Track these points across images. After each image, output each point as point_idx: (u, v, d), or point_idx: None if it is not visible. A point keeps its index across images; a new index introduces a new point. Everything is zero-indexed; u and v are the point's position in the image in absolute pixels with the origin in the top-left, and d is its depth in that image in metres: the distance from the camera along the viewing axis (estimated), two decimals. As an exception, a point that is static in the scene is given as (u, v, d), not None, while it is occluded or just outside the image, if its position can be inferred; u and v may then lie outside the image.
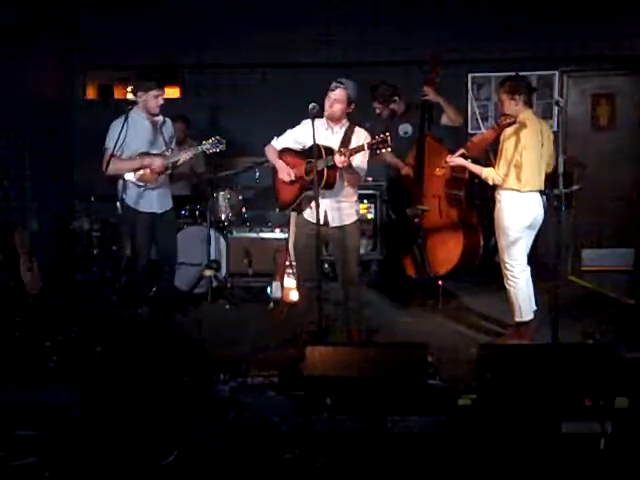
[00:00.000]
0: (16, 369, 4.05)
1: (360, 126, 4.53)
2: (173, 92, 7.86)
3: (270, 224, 6.43)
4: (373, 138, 4.15)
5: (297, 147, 4.57)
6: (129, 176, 5.00)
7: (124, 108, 4.98)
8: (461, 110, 6.10)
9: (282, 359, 4.27)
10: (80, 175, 7.23)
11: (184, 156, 5.01)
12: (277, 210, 5.38)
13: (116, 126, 4.92)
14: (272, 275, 5.80)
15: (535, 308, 4.71)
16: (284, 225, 5.99)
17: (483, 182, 4.75)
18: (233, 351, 4.45)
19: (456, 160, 4.80)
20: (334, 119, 4.42)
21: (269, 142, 4.68)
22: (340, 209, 4.49)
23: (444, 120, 5.62)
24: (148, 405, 3.42)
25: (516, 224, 4.60)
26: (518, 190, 4.55)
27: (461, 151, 4.81)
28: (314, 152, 4.13)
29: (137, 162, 4.98)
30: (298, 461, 3.10)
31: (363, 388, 3.36)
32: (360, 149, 4.20)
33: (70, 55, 7.17)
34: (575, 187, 5.50)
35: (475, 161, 4.87)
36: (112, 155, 4.87)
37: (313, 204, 4.28)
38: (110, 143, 4.88)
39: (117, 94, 7.97)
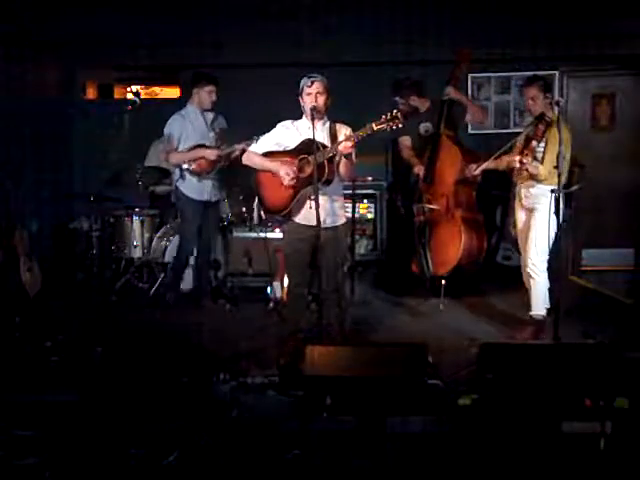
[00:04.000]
0: (16, 369, 4.05)
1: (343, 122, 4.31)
2: (173, 92, 7.86)
3: (270, 224, 6.42)
4: (385, 117, 3.86)
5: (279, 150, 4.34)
6: (185, 166, 5.37)
7: (124, 108, 4.99)
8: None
9: (282, 359, 4.27)
10: (80, 175, 7.24)
11: (238, 148, 5.24)
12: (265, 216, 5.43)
13: (176, 120, 5.36)
14: (272, 275, 5.79)
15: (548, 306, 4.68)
16: (284, 225, 5.98)
17: (494, 181, 4.68)
18: (233, 351, 4.45)
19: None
20: (319, 113, 4.13)
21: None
22: (332, 209, 4.30)
23: (468, 118, 5.59)
24: (148, 405, 3.42)
25: (556, 221, 4.46)
26: (563, 186, 4.42)
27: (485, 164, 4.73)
28: (313, 147, 3.97)
29: (193, 153, 5.36)
30: (298, 461, 3.10)
31: (363, 388, 3.36)
32: (368, 130, 3.90)
33: (70, 55, 7.15)
34: (575, 187, 5.50)
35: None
36: (175, 149, 5.33)
37: (305, 207, 4.20)
38: (171, 137, 5.32)
39: (117, 94, 7.97)
